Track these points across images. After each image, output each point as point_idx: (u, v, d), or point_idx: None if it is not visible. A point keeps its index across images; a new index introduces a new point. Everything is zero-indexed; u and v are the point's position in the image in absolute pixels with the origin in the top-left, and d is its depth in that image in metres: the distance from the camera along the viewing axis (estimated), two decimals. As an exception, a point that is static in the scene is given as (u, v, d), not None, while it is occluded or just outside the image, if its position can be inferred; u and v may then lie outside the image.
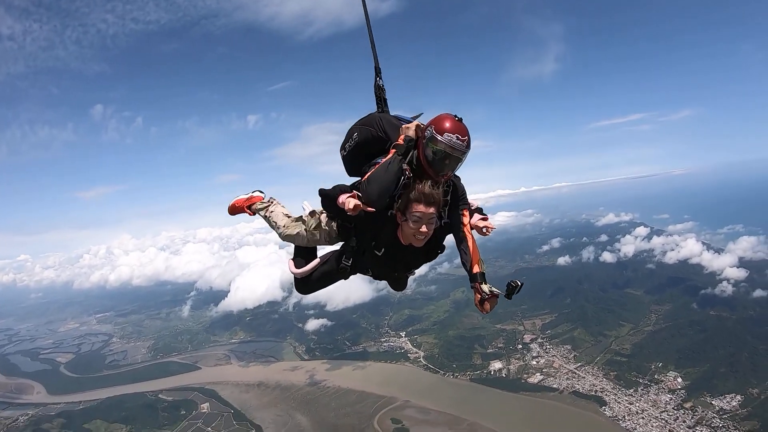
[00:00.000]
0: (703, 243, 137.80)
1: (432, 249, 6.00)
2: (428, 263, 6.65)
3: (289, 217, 6.78)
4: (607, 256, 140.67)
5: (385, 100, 6.38)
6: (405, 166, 5.56)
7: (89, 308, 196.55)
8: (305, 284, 6.55)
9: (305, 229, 6.38)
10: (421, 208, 5.32)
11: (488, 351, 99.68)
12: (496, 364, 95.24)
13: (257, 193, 7.31)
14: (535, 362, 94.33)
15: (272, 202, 7.12)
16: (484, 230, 5.88)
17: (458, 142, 5.33)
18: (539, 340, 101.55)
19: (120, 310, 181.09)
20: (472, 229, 5.95)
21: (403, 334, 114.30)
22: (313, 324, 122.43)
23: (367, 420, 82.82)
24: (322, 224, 6.27)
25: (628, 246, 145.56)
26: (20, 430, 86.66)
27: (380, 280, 6.60)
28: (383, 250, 5.79)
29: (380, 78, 6.22)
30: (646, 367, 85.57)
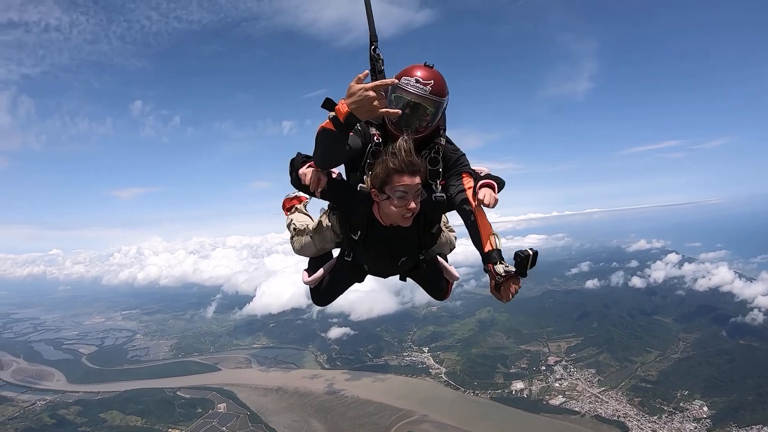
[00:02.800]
0: (735, 271, 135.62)
1: (424, 230, 5.29)
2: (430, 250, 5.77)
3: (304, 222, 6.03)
4: (636, 281, 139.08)
5: (380, 71, 5.44)
6: (374, 131, 5.00)
7: (116, 304, 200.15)
8: (317, 292, 5.97)
9: (310, 235, 5.74)
10: (405, 180, 4.55)
11: (511, 371, 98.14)
12: (518, 384, 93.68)
13: (302, 193, 6.21)
14: (558, 384, 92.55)
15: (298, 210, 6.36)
16: (484, 200, 4.77)
17: (419, 85, 4.61)
18: (563, 362, 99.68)
19: (146, 308, 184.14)
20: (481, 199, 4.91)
21: (426, 349, 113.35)
22: (335, 332, 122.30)
23: (383, 431, 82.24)
24: (324, 222, 5.67)
25: (659, 272, 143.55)
26: (36, 414, 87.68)
27: (379, 276, 5.93)
28: (359, 233, 5.14)
29: (376, 46, 5.35)
30: (671, 395, 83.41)
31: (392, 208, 4.64)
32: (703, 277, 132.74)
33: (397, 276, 5.93)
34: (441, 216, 5.48)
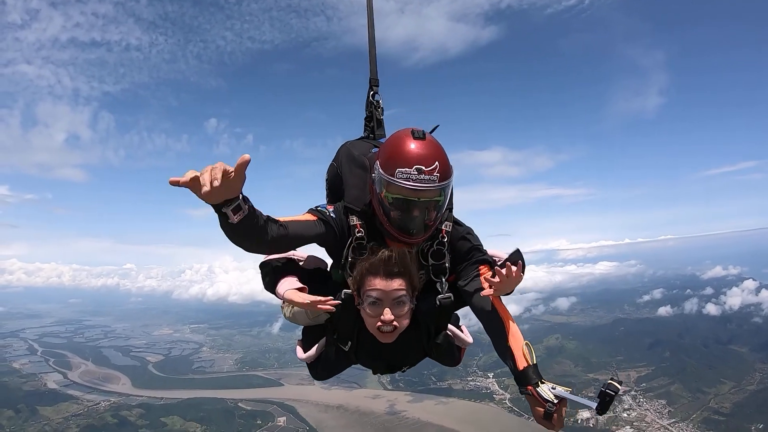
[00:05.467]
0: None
1: (428, 339, 4.20)
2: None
3: None
4: (711, 309, 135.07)
5: (379, 120, 4.77)
6: (355, 221, 3.96)
7: (185, 318, 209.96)
8: (315, 369, 4.70)
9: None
10: (377, 283, 3.55)
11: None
12: (584, 413, 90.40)
13: None
14: (626, 414, 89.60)
15: None
16: (492, 283, 3.61)
17: (424, 176, 3.50)
18: (633, 392, 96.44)
19: (214, 323, 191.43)
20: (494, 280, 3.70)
21: (491, 375, 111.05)
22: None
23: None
24: None
25: (735, 299, 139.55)
26: (99, 413, 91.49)
27: (379, 373, 4.68)
28: (349, 344, 4.09)
29: (376, 92, 4.72)
30: (746, 428, 79.52)
31: (367, 317, 3.69)
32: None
33: None
34: (448, 322, 4.33)
